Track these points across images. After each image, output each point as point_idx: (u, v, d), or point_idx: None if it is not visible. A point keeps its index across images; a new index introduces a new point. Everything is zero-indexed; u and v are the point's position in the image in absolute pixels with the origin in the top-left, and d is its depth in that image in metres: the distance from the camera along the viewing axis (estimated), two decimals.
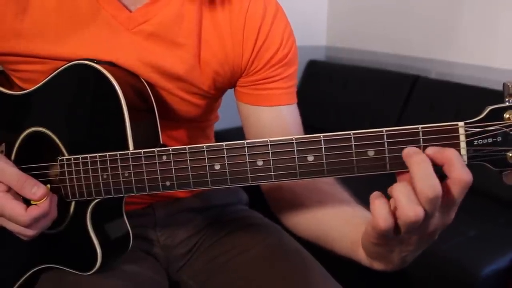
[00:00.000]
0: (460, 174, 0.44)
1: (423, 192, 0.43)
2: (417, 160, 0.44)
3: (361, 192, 0.63)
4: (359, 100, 2.44)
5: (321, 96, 2.66)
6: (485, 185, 1.71)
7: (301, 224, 0.69)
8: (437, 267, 1.42)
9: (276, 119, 0.71)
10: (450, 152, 0.45)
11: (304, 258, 0.72)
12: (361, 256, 0.57)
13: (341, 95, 2.55)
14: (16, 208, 0.56)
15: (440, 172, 0.45)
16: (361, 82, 2.46)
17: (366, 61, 2.60)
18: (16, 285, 0.68)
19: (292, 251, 0.73)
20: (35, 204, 0.58)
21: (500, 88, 0.45)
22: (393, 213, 0.45)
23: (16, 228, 0.59)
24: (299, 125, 0.74)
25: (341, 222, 0.63)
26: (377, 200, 0.46)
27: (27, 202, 0.58)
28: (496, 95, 0.47)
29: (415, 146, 0.46)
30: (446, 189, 0.45)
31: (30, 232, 0.59)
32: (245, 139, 0.73)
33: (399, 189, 0.44)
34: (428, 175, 0.44)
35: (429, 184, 0.43)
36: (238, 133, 0.74)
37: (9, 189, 0.58)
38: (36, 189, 0.58)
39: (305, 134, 0.53)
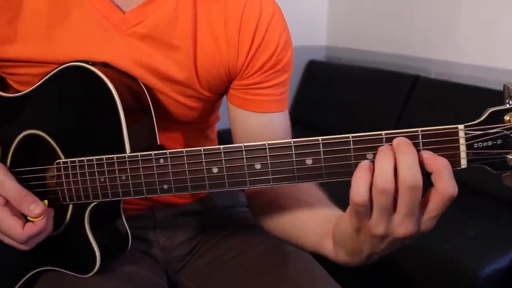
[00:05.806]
0: (447, 186, 0.44)
1: (405, 180, 0.44)
2: (404, 151, 0.45)
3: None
4: (359, 100, 2.43)
5: (321, 96, 2.66)
6: (485, 185, 1.72)
7: (279, 222, 0.68)
8: (437, 267, 1.42)
9: (264, 126, 0.70)
10: (441, 161, 0.45)
11: (304, 259, 0.71)
12: (328, 247, 0.57)
13: (341, 95, 2.54)
14: (13, 226, 0.57)
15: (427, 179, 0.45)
16: (361, 82, 2.46)
17: (366, 61, 2.60)
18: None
19: (291, 252, 0.72)
20: (32, 222, 0.58)
21: (500, 88, 0.45)
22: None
23: (11, 243, 0.59)
24: (288, 132, 0.73)
25: (313, 217, 0.63)
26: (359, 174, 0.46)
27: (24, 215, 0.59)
28: (496, 95, 0.47)
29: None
30: (429, 197, 0.46)
31: (25, 247, 0.59)
32: (233, 141, 0.73)
33: (381, 161, 0.45)
34: (412, 166, 0.44)
35: (411, 174, 0.44)
36: None
37: (7, 202, 0.58)
38: (34, 207, 0.57)
39: (305, 134, 0.52)
